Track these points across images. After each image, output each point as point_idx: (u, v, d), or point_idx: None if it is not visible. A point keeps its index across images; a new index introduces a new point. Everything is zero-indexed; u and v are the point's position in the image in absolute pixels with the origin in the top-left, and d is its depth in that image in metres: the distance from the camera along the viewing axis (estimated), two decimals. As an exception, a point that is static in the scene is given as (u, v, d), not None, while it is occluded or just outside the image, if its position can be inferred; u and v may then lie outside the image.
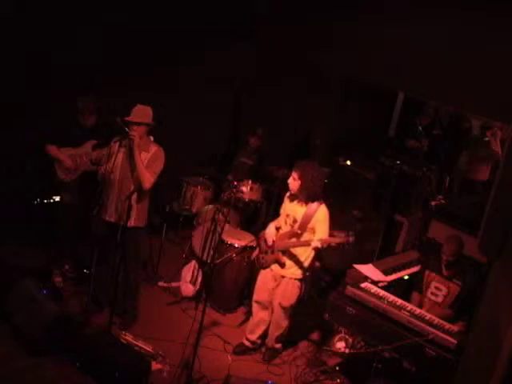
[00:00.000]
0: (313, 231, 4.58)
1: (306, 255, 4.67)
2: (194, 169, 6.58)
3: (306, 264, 4.71)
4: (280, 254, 4.67)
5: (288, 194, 4.78)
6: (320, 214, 4.56)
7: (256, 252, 4.96)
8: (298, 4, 6.24)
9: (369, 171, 6.77)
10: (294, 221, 4.64)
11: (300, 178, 4.52)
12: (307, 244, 4.52)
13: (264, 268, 4.81)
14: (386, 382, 4.52)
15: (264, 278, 4.84)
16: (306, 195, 4.57)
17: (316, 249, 4.47)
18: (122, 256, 4.66)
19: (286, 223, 4.71)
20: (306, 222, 4.57)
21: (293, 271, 4.70)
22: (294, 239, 4.63)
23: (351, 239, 4.41)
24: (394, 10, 5.43)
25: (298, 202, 4.64)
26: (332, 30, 5.90)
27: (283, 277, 4.73)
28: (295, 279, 4.70)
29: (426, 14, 5.16)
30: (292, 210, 4.68)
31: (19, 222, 5.65)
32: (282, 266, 4.69)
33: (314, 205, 4.57)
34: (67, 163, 5.25)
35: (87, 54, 5.68)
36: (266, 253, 4.76)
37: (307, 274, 4.80)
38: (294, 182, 4.56)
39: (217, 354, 4.88)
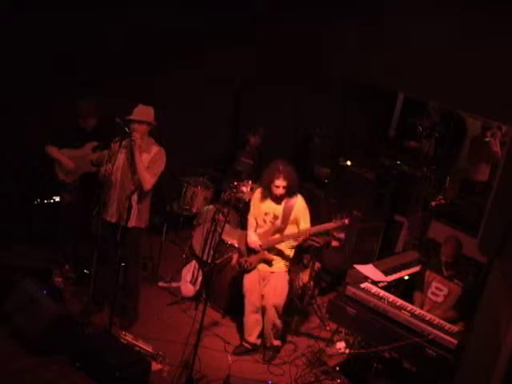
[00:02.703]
0: (295, 223, 4.64)
1: (290, 247, 4.74)
2: (194, 169, 6.58)
3: (292, 253, 4.77)
4: (266, 253, 4.69)
5: (256, 195, 4.80)
6: (300, 204, 4.65)
7: (235, 258, 4.95)
8: (298, 4, 6.24)
9: (369, 171, 6.77)
10: (275, 217, 4.67)
11: (288, 184, 4.57)
12: (300, 235, 4.59)
13: (250, 271, 4.81)
14: (386, 381, 4.52)
15: (251, 280, 4.84)
16: (290, 194, 4.63)
17: (306, 239, 4.57)
18: (122, 256, 4.66)
19: (265, 222, 4.73)
20: (288, 215, 4.62)
21: (280, 265, 4.74)
22: (277, 235, 4.66)
23: (347, 221, 4.45)
24: (394, 10, 5.43)
25: (274, 199, 4.67)
26: (332, 30, 5.90)
27: (272, 272, 4.75)
28: (285, 271, 4.76)
29: (426, 13, 5.16)
30: (269, 207, 4.70)
31: (19, 222, 5.65)
32: (269, 263, 4.72)
33: (292, 197, 4.64)
34: (69, 165, 5.25)
35: (87, 54, 5.68)
36: (249, 255, 4.76)
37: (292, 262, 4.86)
38: (282, 190, 4.58)
39: (217, 354, 4.88)
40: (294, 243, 4.73)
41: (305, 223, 4.64)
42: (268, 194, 4.69)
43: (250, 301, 4.87)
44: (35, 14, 5.36)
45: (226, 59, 6.71)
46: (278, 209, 4.66)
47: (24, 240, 5.57)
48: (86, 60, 5.69)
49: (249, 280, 4.85)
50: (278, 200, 4.66)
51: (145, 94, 5.08)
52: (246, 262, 4.78)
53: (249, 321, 4.94)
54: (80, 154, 5.29)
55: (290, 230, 4.65)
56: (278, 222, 4.65)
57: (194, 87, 6.52)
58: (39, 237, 5.60)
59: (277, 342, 4.96)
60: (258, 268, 4.77)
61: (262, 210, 4.75)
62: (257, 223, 4.80)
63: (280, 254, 4.71)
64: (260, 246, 4.71)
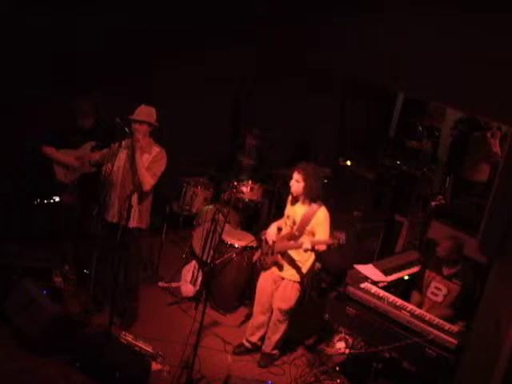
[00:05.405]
0: (312, 234, 4.55)
1: (305, 258, 4.65)
2: (194, 169, 6.58)
3: (306, 267, 4.68)
4: (279, 256, 4.66)
5: (290, 196, 4.76)
6: (320, 216, 4.54)
7: (258, 254, 4.95)
8: (298, 4, 6.23)
9: (369, 171, 6.77)
10: (294, 222, 4.63)
11: (304, 179, 4.52)
12: (299, 246, 4.48)
13: (265, 269, 4.80)
14: (385, 381, 4.53)
15: (264, 280, 4.83)
16: (309, 196, 4.56)
17: (306, 251, 4.43)
18: (122, 256, 4.66)
19: (286, 225, 4.70)
20: (305, 224, 4.54)
21: (292, 273, 4.68)
22: (292, 241, 4.61)
23: (341, 241, 4.36)
24: (394, 10, 5.42)
25: (299, 204, 4.63)
26: (332, 30, 5.90)
27: (283, 278, 4.72)
28: (295, 281, 4.68)
29: (426, 13, 5.16)
30: (292, 211, 4.67)
31: (19, 222, 5.65)
32: (281, 267, 4.69)
33: (314, 207, 4.55)
34: (72, 163, 5.23)
35: (87, 54, 5.68)
36: (267, 254, 4.75)
37: (307, 277, 4.78)
38: (297, 185, 4.55)
39: (217, 354, 4.88)
40: (307, 255, 4.62)
41: (319, 236, 4.51)
42: (295, 197, 4.65)
43: (260, 301, 4.87)
44: (35, 14, 5.36)
45: (226, 59, 6.71)
46: (298, 215, 4.60)
47: (24, 240, 5.57)
48: (86, 60, 5.69)
49: (262, 281, 4.85)
50: (295, 201, 4.63)
51: (145, 94, 5.07)
52: (263, 260, 4.77)
53: (254, 321, 4.94)
54: (79, 154, 5.29)
55: (304, 240, 4.52)
56: (295, 229, 4.60)
57: (194, 87, 6.52)
58: (39, 237, 5.59)
59: (275, 352, 4.93)
60: (272, 270, 4.75)
61: (286, 212, 4.74)
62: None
63: (291, 262, 4.65)
64: (273, 243, 4.68)
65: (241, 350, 4.95)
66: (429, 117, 7.99)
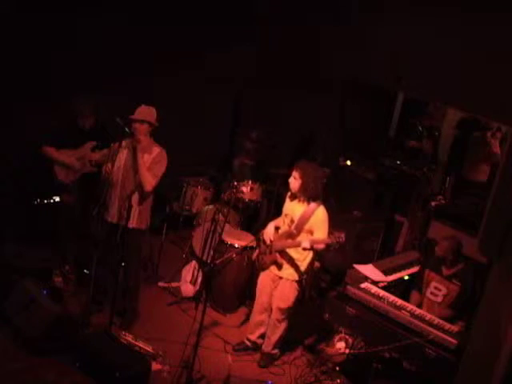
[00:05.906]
0: (310, 233, 4.55)
1: (303, 257, 4.65)
2: (194, 169, 6.58)
3: (304, 266, 4.68)
4: (277, 255, 4.66)
5: (288, 193, 4.78)
6: (318, 215, 4.55)
7: (256, 253, 4.95)
8: (299, 4, 6.24)
9: (369, 171, 6.77)
10: (292, 221, 4.63)
11: (301, 177, 4.52)
12: (298, 245, 4.49)
13: (263, 269, 4.81)
14: (385, 381, 4.53)
15: (263, 280, 4.84)
16: (307, 195, 4.56)
17: (305, 249, 4.45)
18: (122, 256, 4.65)
19: (284, 223, 4.71)
20: (303, 223, 4.55)
21: (290, 272, 4.68)
22: (290, 240, 4.61)
23: (341, 239, 4.36)
24: (394, 10, 5.43)
25: (297, 202, 4.63)
26: (332, 30, 5.91)
27: (281, 278, 4.72)
28: (292, 280, 4.69)
29: (426, 13, 5.16)
30: (290, 209, 4.67)
31: (19, 222, 5.65)
32: (279, 267, 4.69)
33: (313, 206, 4.55)
34: (72, 163, 5.23)
35: (87, 54, 5.68)
36: (265, 253, 4.75)
37: (305, 276, 4.77)
38: (294, 182, 4.56)
39: (217, 354, 4.88)
40: (305, 254, 4.62)
41: (317, 235, 4.51)
42: (294, 195, 4.66)
43: (259, 301, 4.88)
44: (35, 14, 5.37)
45: (226, 59, 6.71)
46: (296, 214, 4.60)
47: (24, 240, 5.58)
48: (86, 60, 5.69)
49: (261, 280, 4.86)
50: (293, 197, 4.64)
51: (145, 94, 5.07)
52: (262, 259, 4.77)
53: (254, 320, 4.95)
54: (79, 154, 5.28)
55: (302, 239, 4.53)
56: (293, 227, 4.59)
57: (194, 87, 6.52)
58: (39, 237, 5.60)
59: (275, 352, 4.93)
60: (270, 270, 4.75)
61: (284, 210, 4.74)
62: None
63: (290, 261, 4.65)
64: (271, 242, 4.68)
65: (240, 348, 4.97)
66: (429, 117, 7.99)
